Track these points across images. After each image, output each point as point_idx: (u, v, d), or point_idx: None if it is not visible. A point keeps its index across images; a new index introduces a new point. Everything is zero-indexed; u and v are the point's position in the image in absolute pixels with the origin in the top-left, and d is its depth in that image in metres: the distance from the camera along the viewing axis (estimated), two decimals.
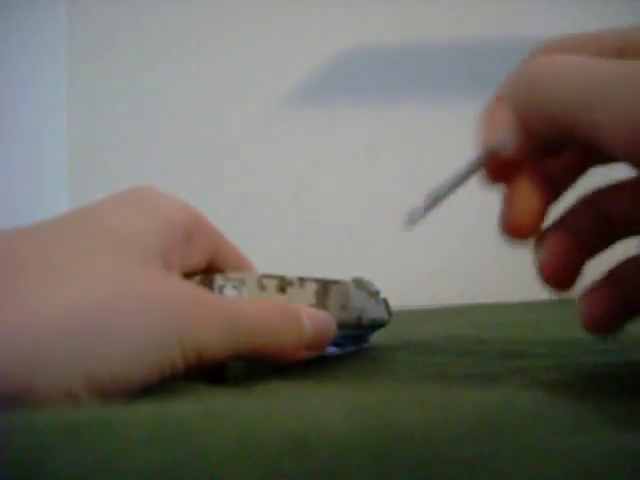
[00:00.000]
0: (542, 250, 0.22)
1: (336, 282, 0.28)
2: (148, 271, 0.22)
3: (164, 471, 0.11)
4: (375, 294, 0.30)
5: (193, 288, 0.23)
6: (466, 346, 0.32)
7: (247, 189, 0.78)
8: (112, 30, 0.78)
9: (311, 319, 0.26)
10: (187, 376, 0.23)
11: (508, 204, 0.22)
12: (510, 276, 0.73)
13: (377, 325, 0.30)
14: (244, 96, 0.79)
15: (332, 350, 0.30)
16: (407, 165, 0.78)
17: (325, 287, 0.28)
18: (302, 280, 0.27)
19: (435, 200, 0.22)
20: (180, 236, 0.25)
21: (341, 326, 0.27)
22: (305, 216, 0.78)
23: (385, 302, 0.31)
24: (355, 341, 0.31)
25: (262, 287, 0.26)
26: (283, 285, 0.27)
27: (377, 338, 0.34)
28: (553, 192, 0.22)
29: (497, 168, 0.22)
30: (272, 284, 0.27)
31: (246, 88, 0.79)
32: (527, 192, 0.22)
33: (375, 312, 0.29)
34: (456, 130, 0.80)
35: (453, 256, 0.76)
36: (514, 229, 0.22)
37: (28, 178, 0.71)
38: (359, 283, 0.29)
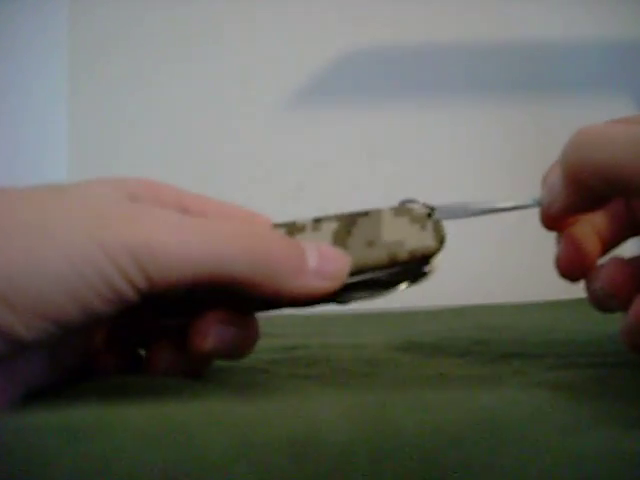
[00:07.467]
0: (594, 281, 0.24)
1: (366, 213, 0.25)
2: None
3: (163, 472, 0.11)
4: (421, 218, 0.25)
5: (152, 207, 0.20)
6: (466, 347, 0.32)
7: (248, 189, 0.78)
8: (113, 31, 0.79)
9: (316, 250, 0.22)
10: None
11: (565, 251, 0.25)
12: (510, 277, 0.73)
13: (419, 258, 0.24)
14: (245, 97, 0.79)
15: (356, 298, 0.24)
16: (407, 165, 0.78)
17: (349, 223, 0.24)
18: (318, 222, 0.25)
19: (460, 212, 0.25)
20: (133, 190, 0.22)
21: (369, 268, 0.24)
22: (306, 216, 0.78)
23: (436, 224, 0.25)
24: (383, 288, 0.25)
25: None
26: (292, 231, 0.25)
27: (377, 338, 0.33)
28: (604, 244, 0.26)
29: (551, 218, 0.25)
30: (279, 232, 0.25)
31: (248, 89, 0.79)
32: (581, 242, 0.25)
33: (417, 241, 0.24)
34: (455, 130, 0.80)
35: (453, 257, 0.76)
36: (569, 273, 0.25)
37: (29, 180, 0.71)
38: (400, 209, 0.25)
